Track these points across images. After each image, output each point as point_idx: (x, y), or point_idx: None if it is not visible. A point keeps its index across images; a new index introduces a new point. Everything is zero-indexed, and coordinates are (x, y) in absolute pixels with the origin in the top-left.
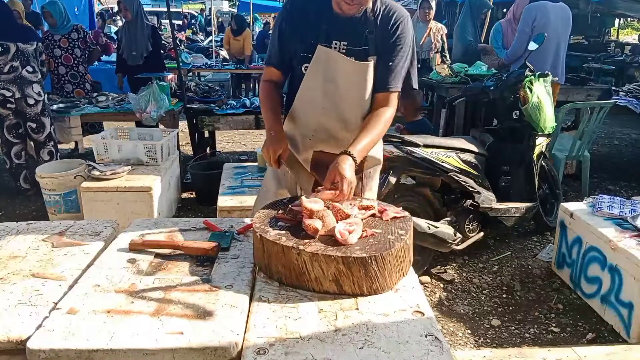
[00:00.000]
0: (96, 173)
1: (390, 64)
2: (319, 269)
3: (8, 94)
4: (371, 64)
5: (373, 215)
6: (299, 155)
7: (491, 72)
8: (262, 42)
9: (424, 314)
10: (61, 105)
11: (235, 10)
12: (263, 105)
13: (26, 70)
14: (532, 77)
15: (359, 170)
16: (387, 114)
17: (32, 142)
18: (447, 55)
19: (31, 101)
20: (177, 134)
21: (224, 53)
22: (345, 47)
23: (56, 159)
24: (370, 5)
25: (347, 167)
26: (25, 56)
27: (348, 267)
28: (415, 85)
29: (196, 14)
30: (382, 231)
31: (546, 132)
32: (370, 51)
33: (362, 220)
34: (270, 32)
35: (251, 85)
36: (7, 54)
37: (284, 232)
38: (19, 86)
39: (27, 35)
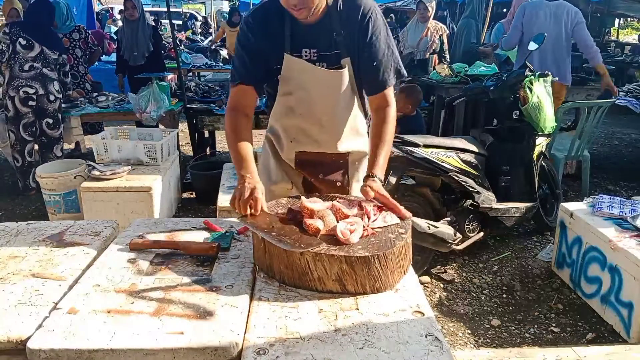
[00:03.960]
0: (96, 173)
1: (375, 63)
2: (322, 268)
3: (31, 91)
4: (345, 71)
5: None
6: (283, 154)
7: (492, 72)
8: None
9: (424, 314)
10: (62, 105)
11: None
12: (230, 141)
13: (47, 69)
14: (532, 77)
15: (345, 164)
16: (391, 113)
17: (44, 141)
18: (447, 56)
19: (52, 97)
20: (177, 134)
21: (224, 53)
22: (316, 54)
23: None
24: (323, 3)
25: (381, 188)
26: (46, 60)
27: (351, 266)
28: (404, 72)
29: (196, 14)
30: (382, 230)
31: (546, 132)
32: (343, 54)
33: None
34: None
35: None
36: (31, 50)
37: None
38: (42, 82)
39: (54, 44)
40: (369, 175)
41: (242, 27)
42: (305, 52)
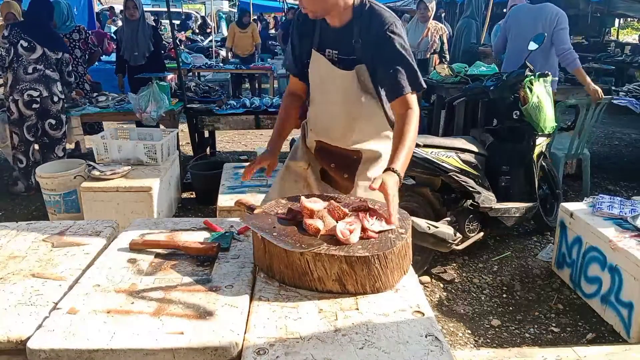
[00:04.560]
0: (96, 173)
1: (391, 71)
2: (322, 268)
3: (35, 93)
4: (352, 73)
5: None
6: (307, 141)
7: (492, 72)
8: (263, 43)
9: (424, 314)
10: (65, 106)
11: (235, 10)
12: (278, 118)
13: (49, 70)
14: (532, 77)
15: (358, 160)
16: (413, 117)
17: (45, 141)
18: (447, 56)
19: (55, 99)
20: (177, 134)
21: (224, 53)
22: (337, 56)
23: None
24: (345, 13)
25: (393, 185)
26: (48, 62)
27: (351, 266)
28: (422, 83)
29: (196, 14)
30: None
31: (546, 132)
32: (357, 60)
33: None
34: (271, 32)
35: (257, 85)
36: (33, 52)
37: None
38: (46, 84)
39: (55, 44)
40: (388, 169)
41: (292, 23)
42: (328, 52)
